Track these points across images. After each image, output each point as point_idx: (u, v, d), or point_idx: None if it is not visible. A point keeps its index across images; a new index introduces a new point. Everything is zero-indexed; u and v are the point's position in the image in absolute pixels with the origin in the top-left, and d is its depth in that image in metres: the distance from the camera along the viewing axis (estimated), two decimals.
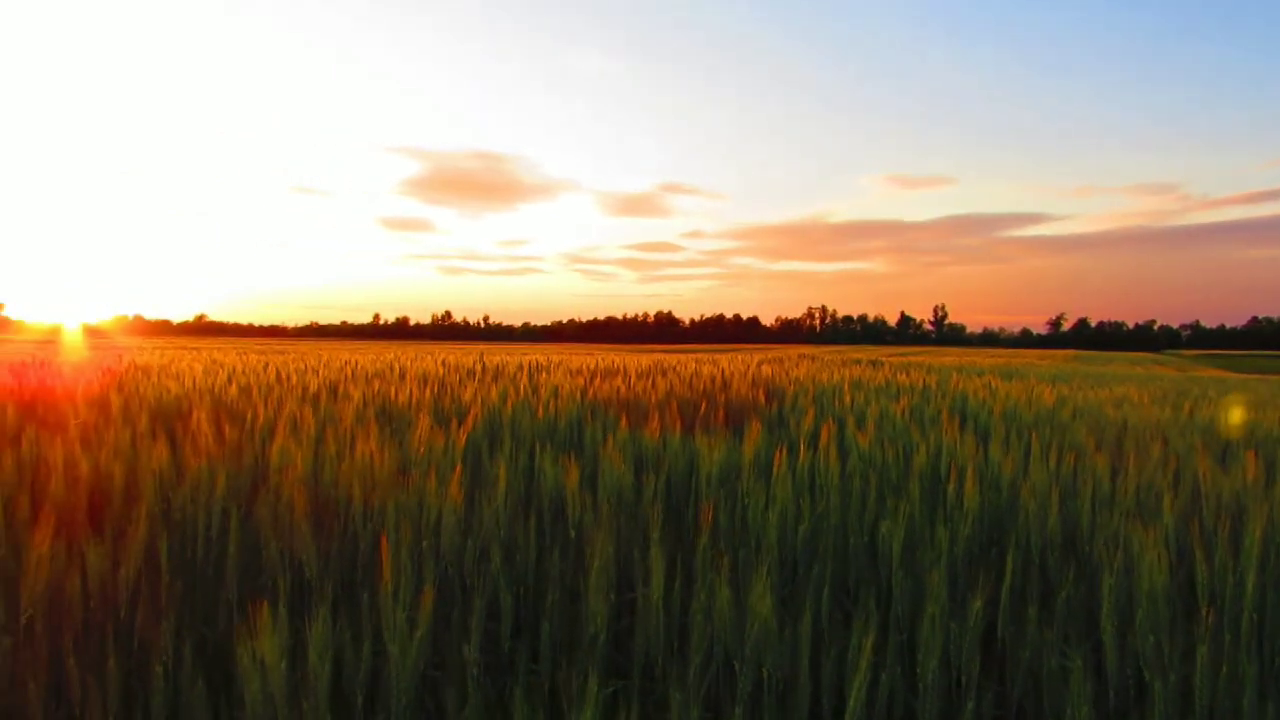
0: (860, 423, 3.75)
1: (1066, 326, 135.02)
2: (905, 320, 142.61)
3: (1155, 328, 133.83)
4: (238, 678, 1.65)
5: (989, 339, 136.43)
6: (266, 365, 6.70)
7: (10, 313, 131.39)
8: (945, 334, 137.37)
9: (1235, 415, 4.27)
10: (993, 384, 6.09)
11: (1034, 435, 3.02)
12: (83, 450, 2.51)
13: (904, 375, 6.93)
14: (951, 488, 2.40)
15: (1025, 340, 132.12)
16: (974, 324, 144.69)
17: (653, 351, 23.22)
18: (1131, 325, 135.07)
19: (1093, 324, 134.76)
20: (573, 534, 2.09)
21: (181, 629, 1.74)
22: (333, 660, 1.37)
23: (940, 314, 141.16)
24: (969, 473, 2.36)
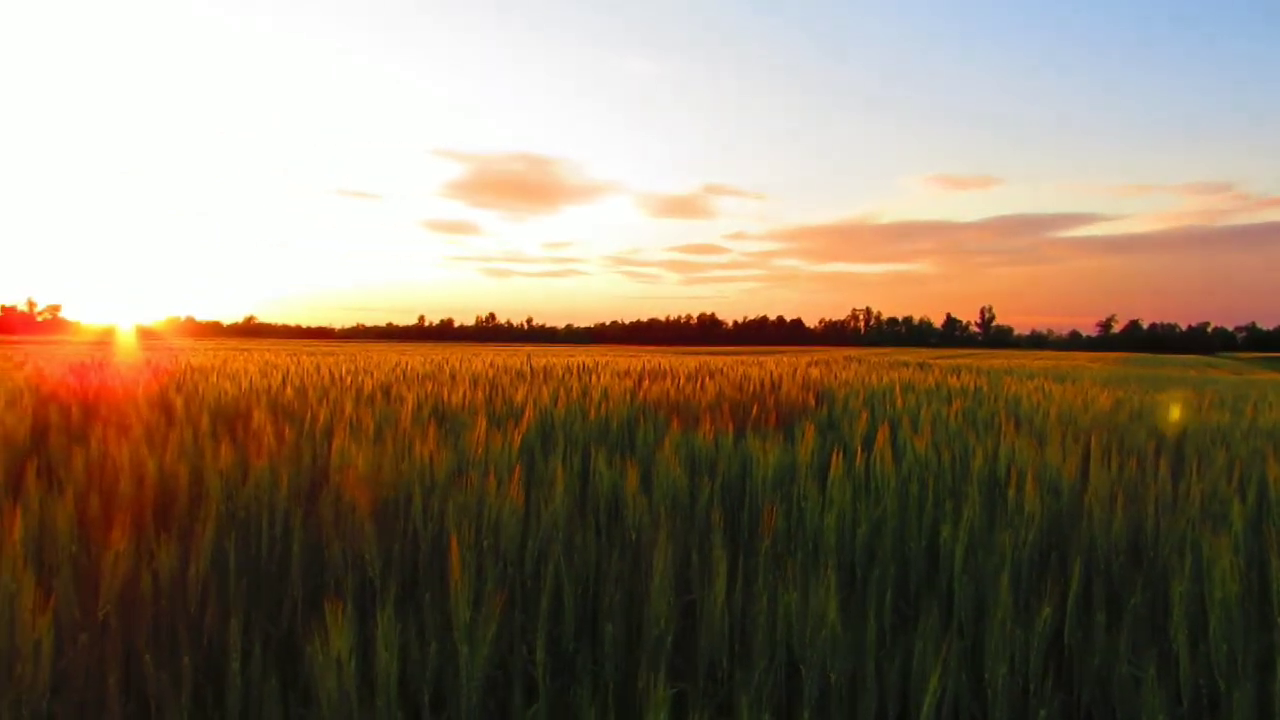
0: (914, 426, 3.71)
1: (1117, 329, 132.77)
2: (951, 322, 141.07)
3: (1209, 330, 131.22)
4: (305, 674, 1.67)
5: (1037, 341, 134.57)
6: (318, 367, 6.79)
7: (67, 314, 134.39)
8: (992, 336, 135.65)
9: None
10: (1046, 387, 6.01)
11: (1094, 439, 2.97)
12: (148, 450, 2.57)
13: (954, 378, 6.86)
14: (1012, 492, 2.37)
15: (1074, 342, 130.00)
16: (1021, 326, 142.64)
17: (696, 353, 23.18)
18: (1184, 327, 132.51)
19: (1144, 326, 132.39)
20: (633, 536, 2.09)
21: (249, 626, 1.76)
22: (400, 658, 1.38)
23: (987, 316, 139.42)
24: (1029, 477, 2.33)
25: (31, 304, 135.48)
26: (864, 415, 3.50)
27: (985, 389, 5.87)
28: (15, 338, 60.89)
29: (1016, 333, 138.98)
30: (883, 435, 2.69)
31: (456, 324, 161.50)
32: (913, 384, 5.90)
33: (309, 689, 1.60)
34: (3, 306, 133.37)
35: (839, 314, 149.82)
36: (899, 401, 4.47)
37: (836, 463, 2.42)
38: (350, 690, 1.25)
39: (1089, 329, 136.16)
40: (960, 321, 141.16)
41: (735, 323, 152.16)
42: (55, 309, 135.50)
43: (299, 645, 1.98)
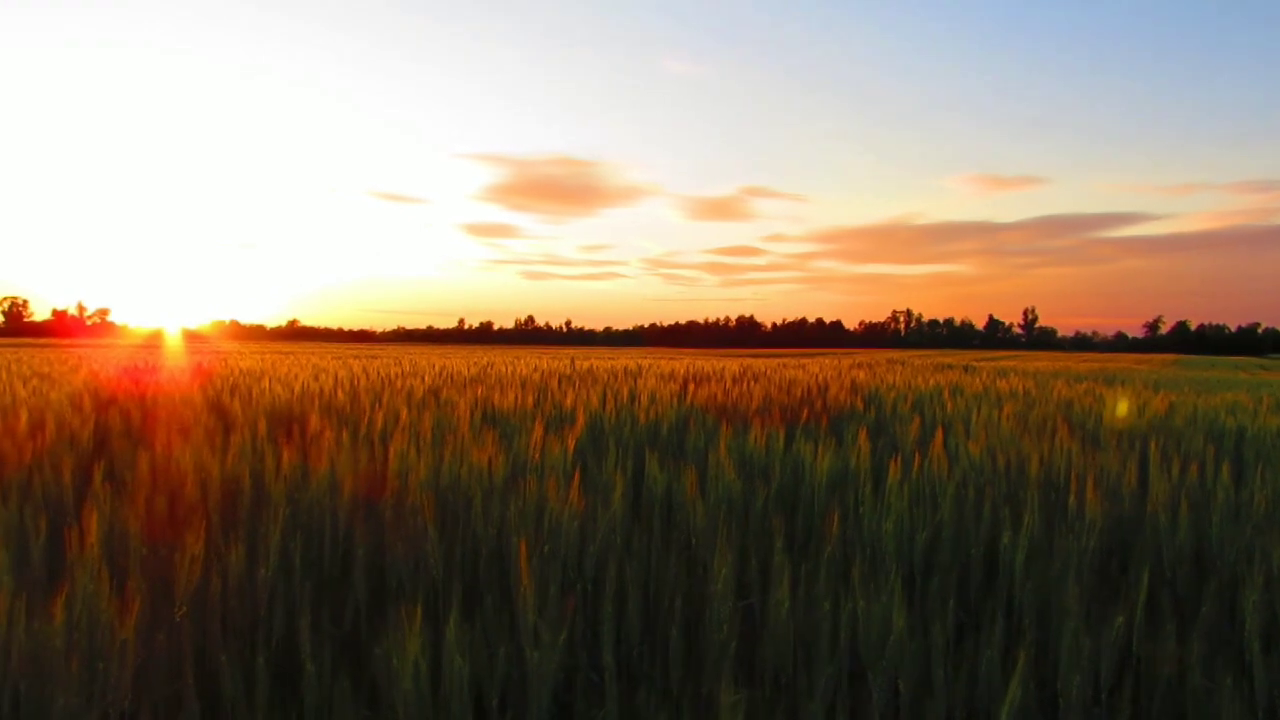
0: (966, 430, 3.68)
1: (1164, 330, 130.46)
2: (993, 324, 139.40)
3: (1260, 330, 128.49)
4: (373, 676, 1.69)
5: (1081, 343, 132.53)
6: (366, 370, 6.87)
7: (115, 317, 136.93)
8: (1035, 338, 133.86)
9: None
10: (1097, 390, 5.93)
11: (1153, 444, 2.92)
12: (210, 453, 2.61)
13: (1002, 381, 6.78)
14: (1072, 499, 2.34)
15: (1120, 344, 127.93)
16: (1065, 327, 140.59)
17: (736, 356, 23.12)
18: (1234, 328, 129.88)
19: (1192, 327, 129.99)
20: (694, 541, 2.09)
21: (318, 627, 1.79)
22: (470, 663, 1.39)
23: (1030, 317, 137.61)
24: (1089, 482, 2.30)
25: (81, 308, 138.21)
26: (916, 420, 3.47)
27: (1034, 392, 5.80)
28: (66, 340, 62.17)
29: (1060, 334, 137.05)
30: (938, 440, 2.67)
31: (496, 326, 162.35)
32: (960, 387, 5.84)
33: (375, 690, 1.62)
34: (55, 310, 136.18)
35: (879, 316, 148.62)
36: (948, 405, 4.43)
37: (894, 468, 2.41)
38: (425, 694, 1.26)
39: (1135, 330, 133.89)
40: (1003, 323, 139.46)
41: (774, 325, 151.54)
42: (104, 312, 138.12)
43: (361, 645, 2.00)
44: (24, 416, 3.42)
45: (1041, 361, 21.41)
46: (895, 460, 2.42)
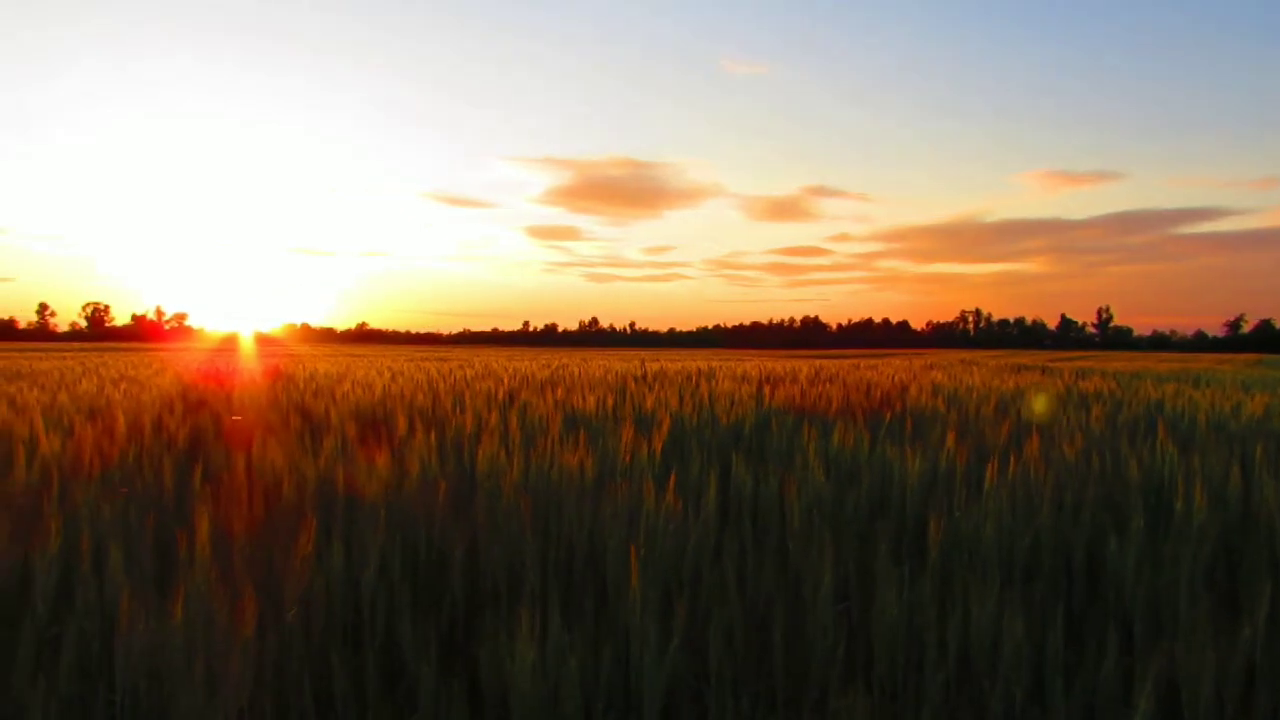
0: (1055, 432, 3.59)
1: (1247, 329, 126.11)
2: (1066, 323, 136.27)
3: None
4: (474, 677, 1.70)
5: (1159, 342, 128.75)
6: (442, 373, 6.95)
7: (191, 321, 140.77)
8: (1110, 337, 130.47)
9: None
10: (1187, 391, 5.75)
11: (1260, 447, 2.82)
12: (302, 454, 2.66)
13: (1085, 382, 6.62)
14: (1179, 503, 2.26)
15: (1200, 343, 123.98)
16: (1142, 327, 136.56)
17: (803, 357, 22.92)
18: None
19: (1277, 325, 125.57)
20: (791, 545, 2.07)
21: (419, 629, 1.81)
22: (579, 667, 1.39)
23: (1104, 316, 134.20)
24: (1197, 486, 2.23)
25: (160, 312, 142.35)
26: (1007, 422, 3.40)
27: (1119, 393, 5.65)
28: (146, 344, 64.12)
29: (1137, 333, 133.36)
30: (1035, 443, 2.61)
31: (560, 328, 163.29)
32: (1043, 388, 5.71)
33: (478, 691, 1.62)
34: (134, 315, 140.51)
35: (947, 315, 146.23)
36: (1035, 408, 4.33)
37: (990, 471, 2.36)
38: (542, 697, 1.26)
39: (1215, 329, 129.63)
40: (1075, 322, 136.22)
41: (839, 325, 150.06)
42: (181, 317, 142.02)
43: (458, 645, 2.02)
44: (121, 419, 3.53)
45: (1118, 362, 20.87)
46: (992, 463, 2.37)
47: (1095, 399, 5.11)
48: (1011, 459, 2.51)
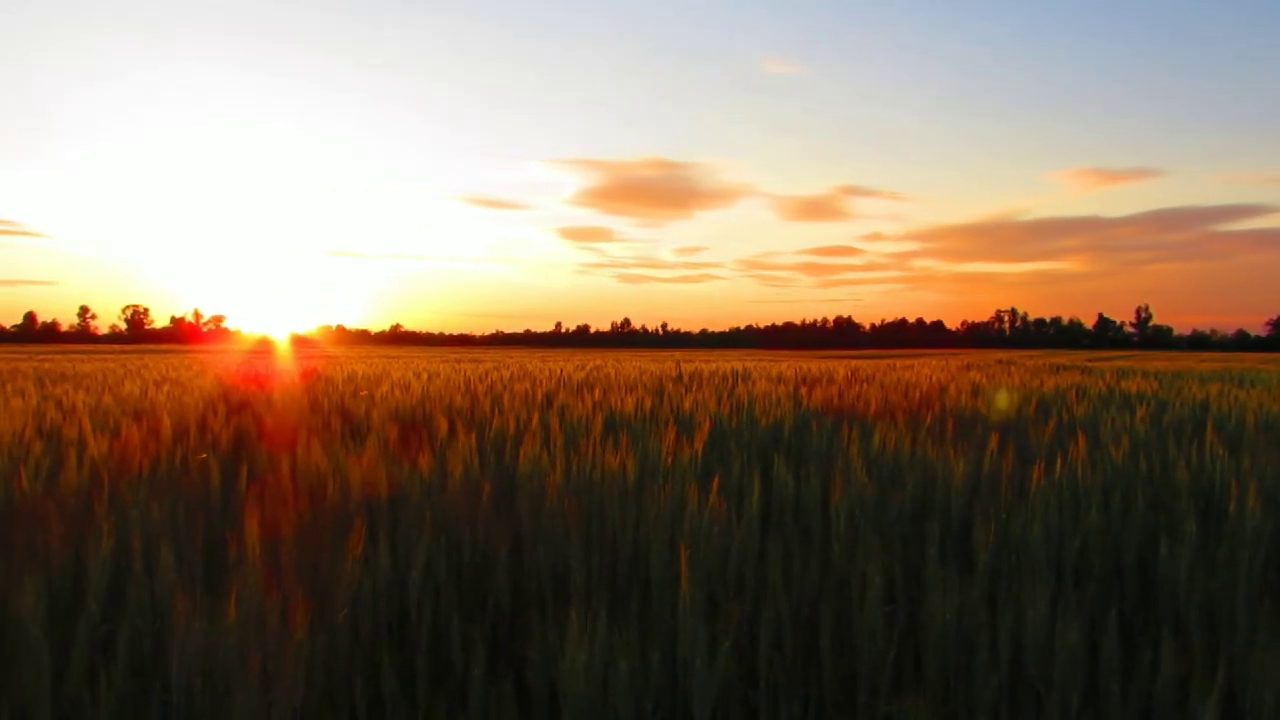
0: (1098, 433, 3.54)
1: None
2: (1104, 322, 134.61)
3: None
4: (521, 678, 1.70)
5: (1199, 341, 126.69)
6: (476, 373, 6.98)
7: (228, 324, 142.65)
8: (1149, 336, 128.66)
9: None
10: (1232, 391, 5.65)
11: None
12: (345, 456, 2.67)
13: (1127, 382, 6.53)
14: (1232, 505, 2.22)
15: (1242, 342, 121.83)
16: (1181, 326, 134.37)
17: (837, 357, 22.81)
18: None
19: None
20: (836, 548, 2.06)
21: (467, 630, 1.81)
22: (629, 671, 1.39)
23: (1143, 315, 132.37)
24: (1251, 488, 2.18)
25: (198, 314, 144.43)
26: (1052, 422, 3.36)
27: (1162, 394, 5.57)
28: (184, 346, 65.07)
29: (1176, 333, 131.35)
30: (1082, 443, 2.58)
31: (593, 329, 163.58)
32: (1085, 388, 5.64)
33: (525, 692, 1.62)
34: (173, 317, 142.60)
35: (982, 315, 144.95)
36: (1078, 408, 4.27)
37: (1037, 473, 2.33)
38: (595, 698, 1.26)
39: (1258, 328, 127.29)
40: (1113, 322, 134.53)
41: (872, 325, 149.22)
42: (219, 319, 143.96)
43: (502, 645, 2.03)
44: (166, 420, 3.57)
45: (1159, 362, 20.57)
46: (1039, 465, 2.34)
47: (1138, 400, 5.03)
48: (1059, 461, 2.48)
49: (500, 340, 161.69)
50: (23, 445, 2.90)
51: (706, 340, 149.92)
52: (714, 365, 9.50)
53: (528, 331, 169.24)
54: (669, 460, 2.41)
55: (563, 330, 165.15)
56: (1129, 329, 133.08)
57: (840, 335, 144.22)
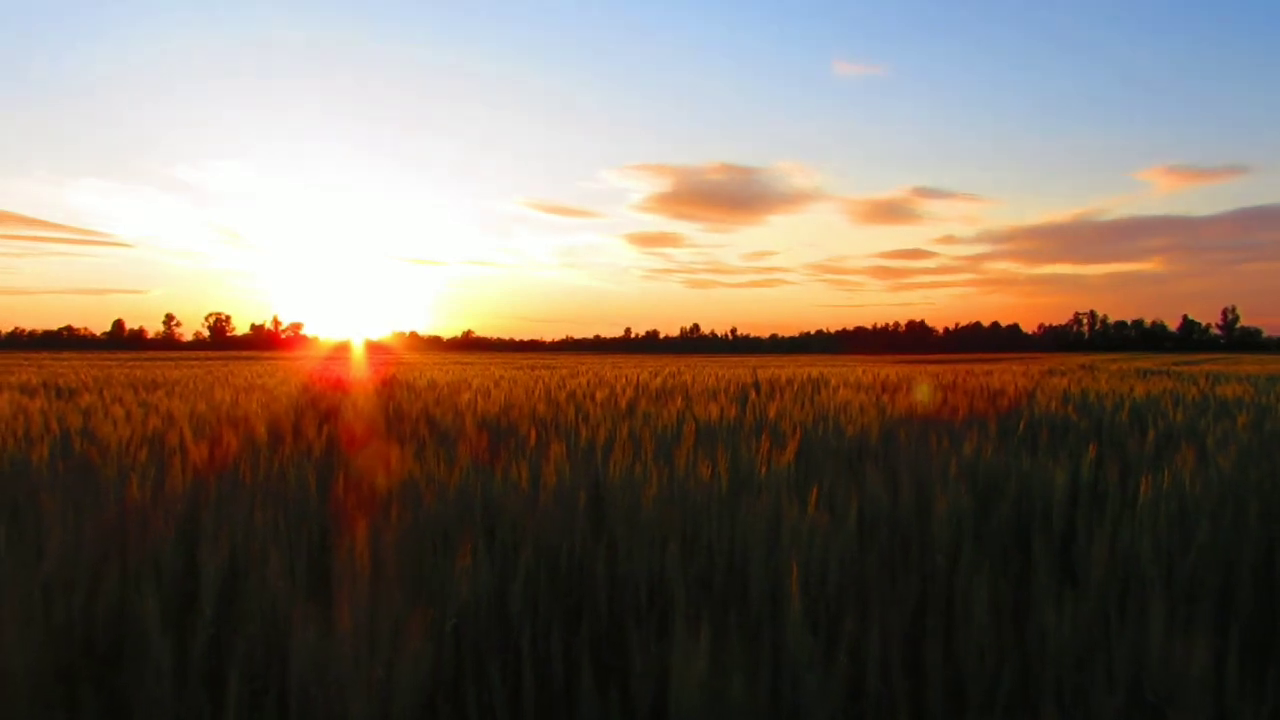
0: (1203, 442, 3.43)
1: None
2: (1188, 324, 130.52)
3: None
4: (624, 690, 1.70)
5: None
6: (553, 380, 7.02)
7: (306, 330, 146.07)
8: (1236, 339, 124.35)
9: None
10: None
11: None
12: (437, 465, 2.71)
13: (1223, 388, 6.31)
14: None
15: None
16: (1272, 328, 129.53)
17: (910, 362, 22.48)
18: None
19: None
20: (938, 559, 2.02)
21: (569, 641, 1.82)
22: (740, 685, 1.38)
23: (1230, 317, 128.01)
24: None
25: (276, 321, 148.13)
26: (1152, 431, 3.26)
27: (1262, 399, 5.37)
28: (265, 353, 66.77)
29: (1266, 335, 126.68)
30: (1190, 453, 2.50)
31: (662, 335, 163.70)
32: (1180, 394, 5.47)
33: (630, 702, 1.62)
34: (253, 324, 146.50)
35: (1060, 318, 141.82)
36: (1175, 416, 4.14)
37: (1145, 484, 2.27)
38: (704, 712, 1.25)
39: None
40: (1199, 324, 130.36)
41: (946, 329, 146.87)
42: (297, 326, 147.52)
43: (603, 656, 2.03)
44: (261, 428, 3.66)
45: (1249, 365, 19.87)
46: (1146, 476, 2.27)
47: (1236, 406, 4.86)
48: (1165, 472, 2.40)
49: (570, 346, 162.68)
50: (130, 454, 3.00)
51: (776, 345, 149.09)
52: (789, 371, 9.44)
53: (597, 337, 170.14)
54: (763, 470, 2.39)
55: (632, 335, 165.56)
56: (1215, 331, 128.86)
57: (912, 339, 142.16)
